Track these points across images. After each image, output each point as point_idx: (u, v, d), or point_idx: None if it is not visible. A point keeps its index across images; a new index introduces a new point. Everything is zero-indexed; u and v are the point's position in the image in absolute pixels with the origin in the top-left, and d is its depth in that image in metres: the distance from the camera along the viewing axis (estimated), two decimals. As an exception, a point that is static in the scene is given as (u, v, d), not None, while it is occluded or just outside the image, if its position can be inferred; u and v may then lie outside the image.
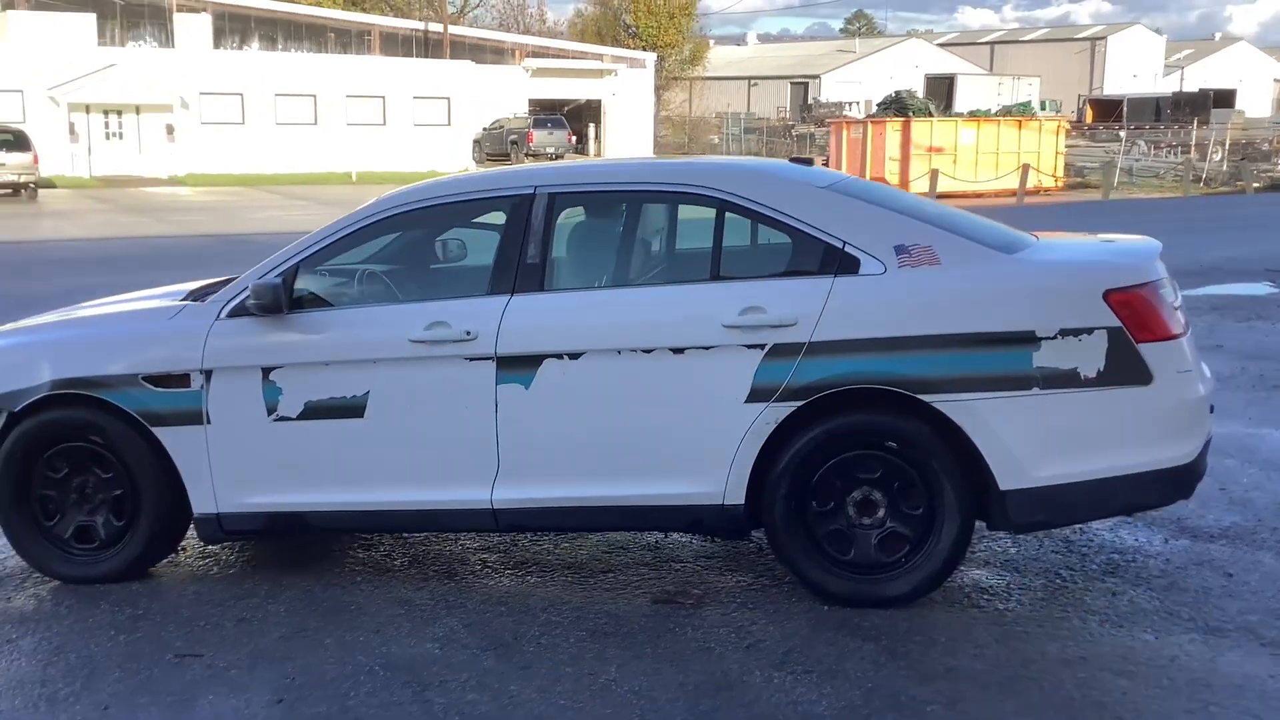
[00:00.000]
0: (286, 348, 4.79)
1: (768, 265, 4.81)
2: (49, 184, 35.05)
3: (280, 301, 4.72)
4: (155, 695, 3.95)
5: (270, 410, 4.78)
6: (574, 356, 4.61)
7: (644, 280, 4.98)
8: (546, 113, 50.86)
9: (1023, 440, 4.41)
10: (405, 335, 4.70)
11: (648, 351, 4.57)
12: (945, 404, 4.40)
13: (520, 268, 4.75)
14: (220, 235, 22.50)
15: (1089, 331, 4.38)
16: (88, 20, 42.47)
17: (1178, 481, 4.52)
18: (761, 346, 4.49)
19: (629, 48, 61.28)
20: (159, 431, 4.83)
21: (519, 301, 4.70)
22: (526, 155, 48.27)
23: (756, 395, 4.49)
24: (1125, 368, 4.38)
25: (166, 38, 46.80)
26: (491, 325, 4.65)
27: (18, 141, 32.26)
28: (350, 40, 51.26)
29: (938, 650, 4.18)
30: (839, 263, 4.56)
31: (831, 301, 4.49)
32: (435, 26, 52.26)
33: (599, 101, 55.34)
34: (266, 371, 4.78)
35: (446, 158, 45.55)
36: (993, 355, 4.40)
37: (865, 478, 4.55)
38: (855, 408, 4.50)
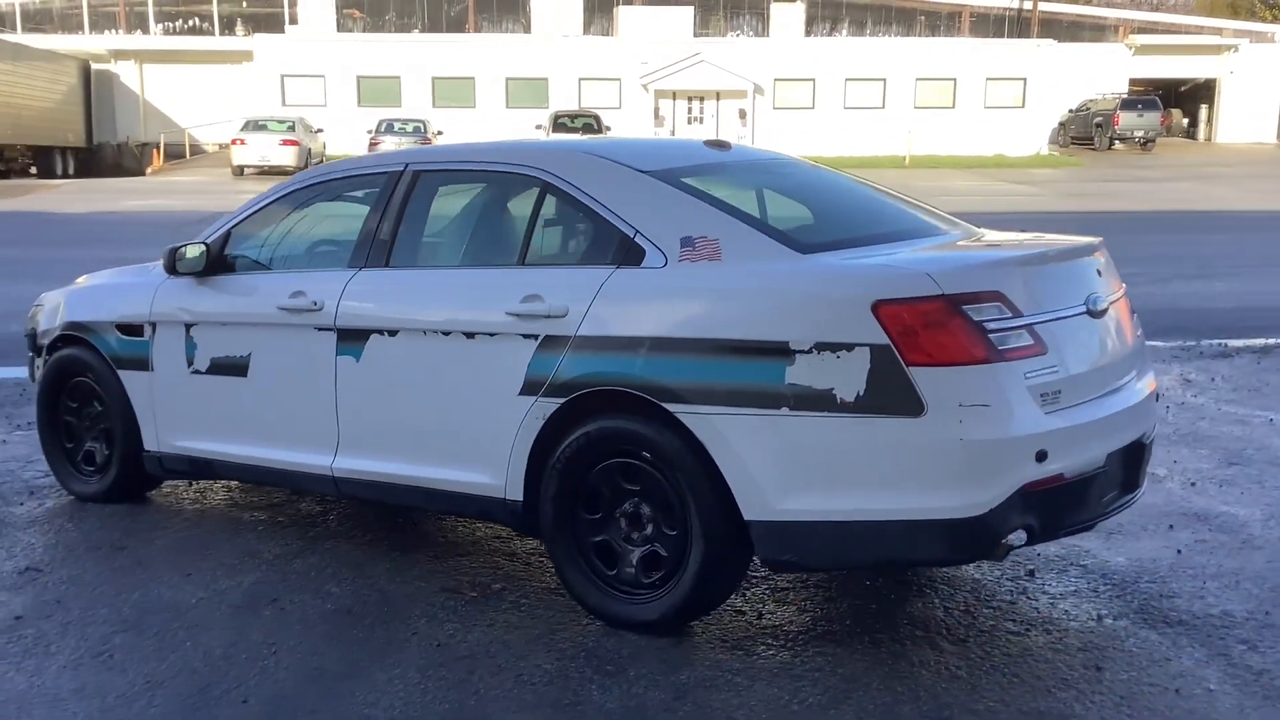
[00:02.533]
0: (201, 307, 5.21)
1: (572, 253, 4.47)
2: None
3: (173, 264, 5.17)
4: (-42, 595, 4.54)
5: (189, 363, 5.24)
6: (392, 334, 4.60)
7: (466, 262, 4.78)
8: (1140, 94, 47.13)
9: (767, 466, 3.75)
10: (275, 302, 4.93)
11: (446, 334, 4.45)
12: (688, 415, 3.86)
13: (373, 243, 4.80)
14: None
15: (848, 348, 3.62)
16: (686, 13, 45.89)
17: (958, 537, 3.59)
18: (535, 337, 4.21)
19: (1265, 20, 54.99)
20: (122, 374, 5.47)
21: (362, 276, 4.76)
22: (1112, 139, 45.15)
23: (528, 388, 4.22)
24: (889, 393, 3.58)
25: (762, 27, 49.31)
26: (335, 297, 4.76)
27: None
28: (940, 23, 50.79)
29: (614, 688, 3.67)
30: (626, 253, 4.15)
31: (602, 294, 4.10)
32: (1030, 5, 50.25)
33: (1214, 81, 50.38)
34: (188, 328, 5.24)
35: (1017, 141, 43.85)
36: (742, 366, 3.78)
37: (631, 490, 4.11)
38: (615, 411, 4.07)
